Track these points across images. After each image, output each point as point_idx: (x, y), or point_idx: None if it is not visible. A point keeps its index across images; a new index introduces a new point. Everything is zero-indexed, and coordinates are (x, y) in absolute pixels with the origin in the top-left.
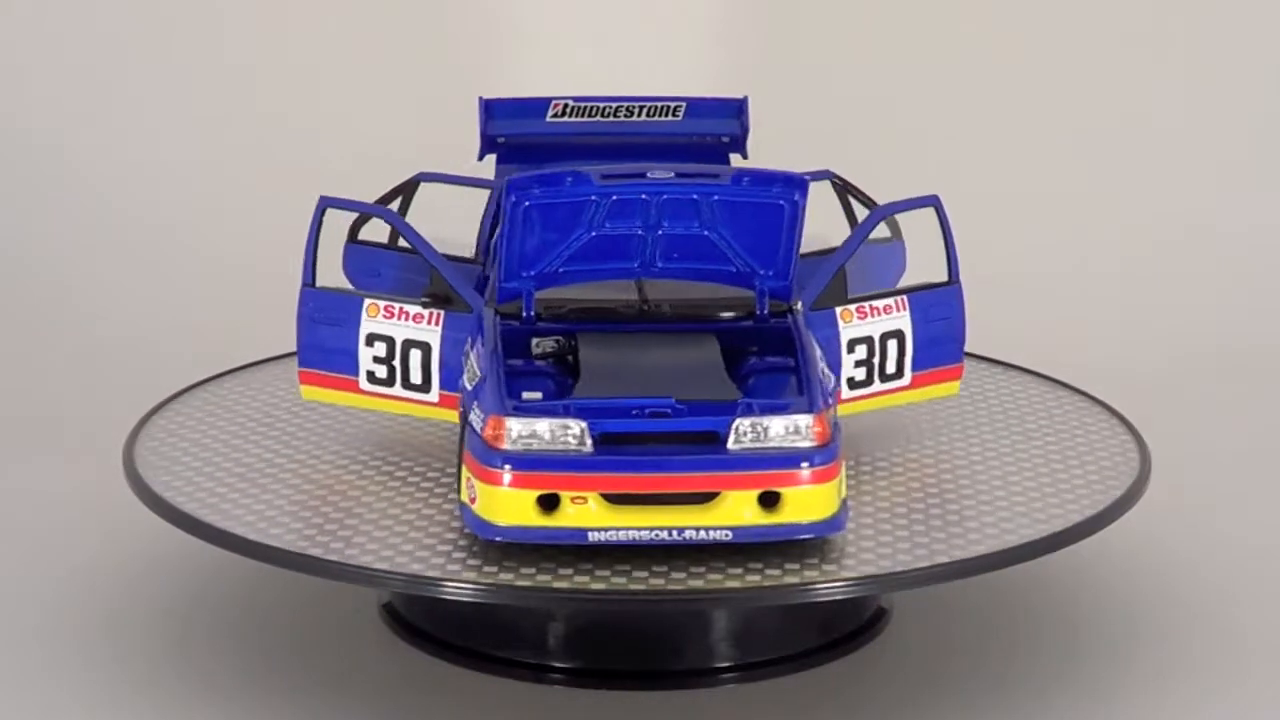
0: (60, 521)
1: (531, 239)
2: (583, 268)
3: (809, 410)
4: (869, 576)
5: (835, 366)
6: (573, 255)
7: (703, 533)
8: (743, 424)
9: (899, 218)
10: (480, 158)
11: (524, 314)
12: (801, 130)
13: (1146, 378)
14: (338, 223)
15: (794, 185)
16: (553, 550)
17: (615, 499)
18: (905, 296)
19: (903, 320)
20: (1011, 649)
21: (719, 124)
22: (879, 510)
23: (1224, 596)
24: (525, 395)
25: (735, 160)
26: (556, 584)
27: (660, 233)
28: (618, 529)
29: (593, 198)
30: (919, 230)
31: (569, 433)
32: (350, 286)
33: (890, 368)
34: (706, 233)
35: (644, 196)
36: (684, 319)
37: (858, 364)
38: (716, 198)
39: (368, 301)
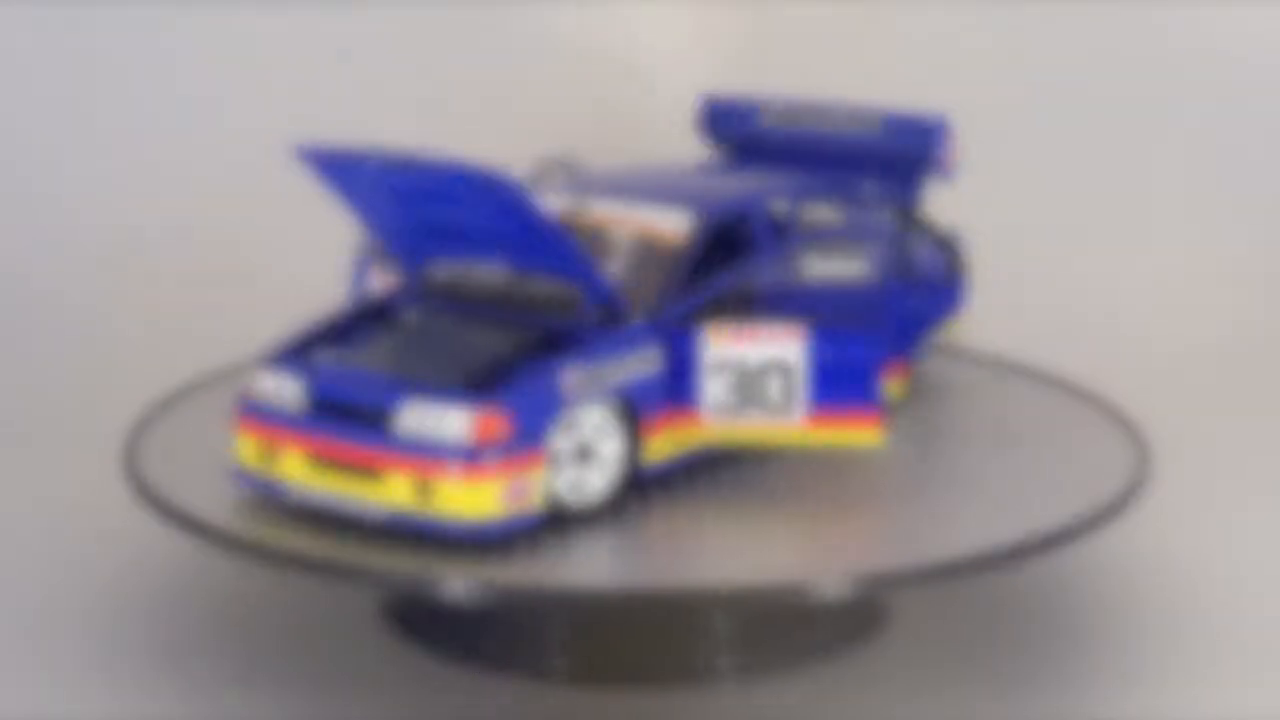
0: (60, 521)
1: (358, 211)
2: (448, 248)
3: (470, 405)
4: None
5: (684, 386)
6: (429, 235)
7: (368, 507)
8: (402, 406)
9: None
10: (710, 152)
11: (407, 286)
12: None
13: (1146, 378)
14: None
15: (492, 184)
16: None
17: (315, 460)
18: (800, 328)
19: (790, 351)
20: (1011, 649)
21: (916, 140)
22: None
23: (1224, 596)
24: (318, 354)
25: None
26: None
27: (460, 221)
28: (308, 488)
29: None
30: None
31: (285, 391)
32: None
33: (772, 399)
34: (485, 223)
35: (393, 180)
36: (519, 311)
37: (724, 388)
38: (462, 189)
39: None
